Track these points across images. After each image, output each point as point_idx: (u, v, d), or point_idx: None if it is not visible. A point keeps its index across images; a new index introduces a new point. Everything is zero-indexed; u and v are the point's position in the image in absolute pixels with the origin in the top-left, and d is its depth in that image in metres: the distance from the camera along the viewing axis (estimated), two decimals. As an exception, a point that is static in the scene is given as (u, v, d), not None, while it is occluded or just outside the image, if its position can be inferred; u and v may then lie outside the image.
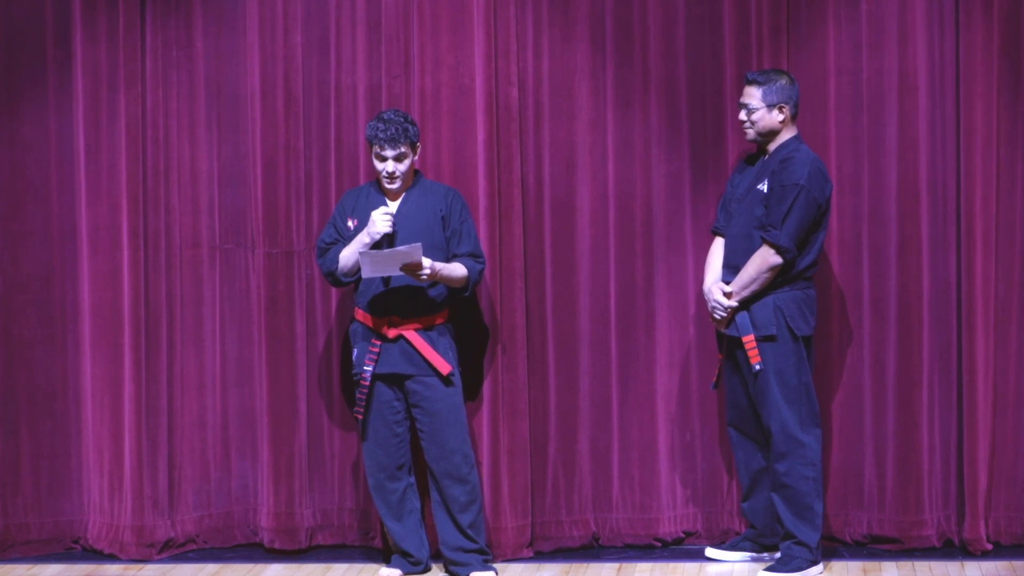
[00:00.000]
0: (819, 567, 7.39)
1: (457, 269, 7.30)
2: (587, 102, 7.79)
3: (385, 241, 7.28)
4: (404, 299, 7.32)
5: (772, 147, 7.38)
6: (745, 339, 7.28)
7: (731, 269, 7.35)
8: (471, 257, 7.35)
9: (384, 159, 7.31)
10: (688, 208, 7.80)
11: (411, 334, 7.32)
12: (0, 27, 7.88)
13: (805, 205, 7.21)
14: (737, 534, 7.78)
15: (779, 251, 7.20)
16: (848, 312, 7.72)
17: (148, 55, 7.84)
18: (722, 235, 7.48)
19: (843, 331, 7.73)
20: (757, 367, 7.26)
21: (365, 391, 7.37)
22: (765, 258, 7.22)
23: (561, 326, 7.83)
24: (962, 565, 7.51)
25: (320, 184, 7.85)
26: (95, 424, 7.92)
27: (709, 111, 7.76)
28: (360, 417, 7.41)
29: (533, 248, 7.81)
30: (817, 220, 7.28)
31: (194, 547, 7.96)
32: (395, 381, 7.37)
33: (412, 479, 7.49)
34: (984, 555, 7.60)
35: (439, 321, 7.38)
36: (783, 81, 7.33)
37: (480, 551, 7.46)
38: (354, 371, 7.43)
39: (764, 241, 7.23)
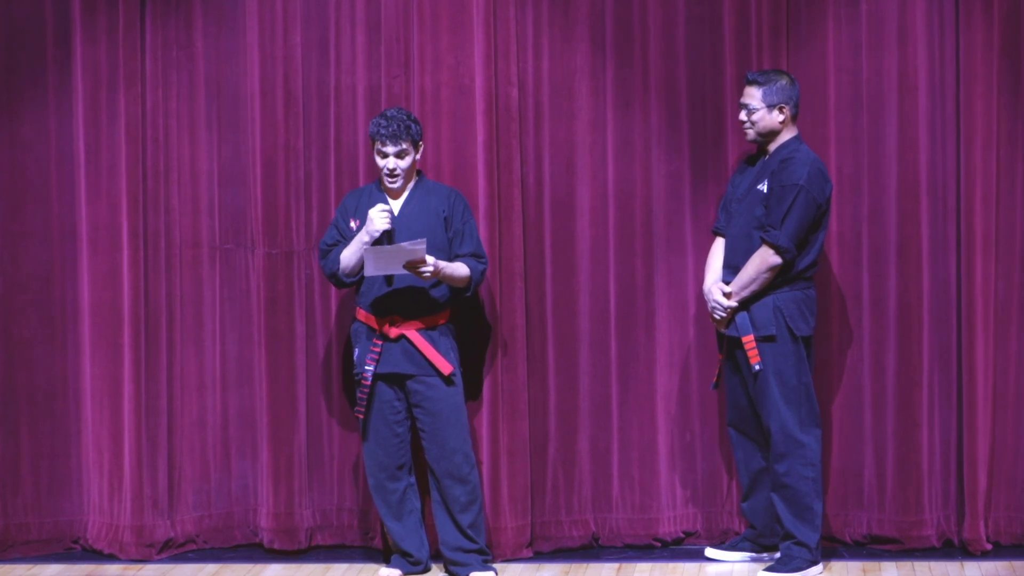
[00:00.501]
0: (819, 567, 7.38)
1: (459, 269, 7.30)
2: (587, 102, 7.79)
3: (385, 238, 7.28)
4: (406, 299, 7.32)
5: (772, 147, 7.38)
6: (745, 339, 7.28)
7: (731, 269, 7.35)
8: (473, 257, 7.35)
9: (385, 155, 7.31)
10: (688, 208, 7.79)
11: (413, 334, 7.32)
12: (0, 27, 7.88)
13: (805, 205, 7.21)
14: (737, 534, 7.78)
15: (778, 251, 7.20)
16: (848, 312, 7.72)
17: (148, 55, 7.84)
18: (722, 235, 7.48)
19: (843, 331, 7.73)
20: (757, 367, 7.26)
21: (366, 391, 7.37)
22: (764, 258, 7.22)
23: (561, 326, 7.83)
24: (962, 565, 7.51)
25: (320, 184, 7.85)
26: (95, 424, 7.92)
27: (709, 111, 7.76)
28: (361, 417, 7.41)
29: (533, 248, 7.81)
30: (817, 220, 7.27)
31: (194, 547, 7.97)
32: (396, 381, 7.37)
33: (412, 479, 7.49)
34: (984, 555, 7.60)
35: (441, 321, 7.38)
36: (783, 81, 7.33)
37: (480, 551, 7.46)
38: (355, 371, 7.43)
39: (763, 241, 7.23)
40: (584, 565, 7.66)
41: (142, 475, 7.84)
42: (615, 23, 7.77)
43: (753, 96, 7.33)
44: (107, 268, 7.88)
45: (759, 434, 7.45)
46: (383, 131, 7.28)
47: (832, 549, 7.71)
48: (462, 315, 7.61)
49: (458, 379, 7.40)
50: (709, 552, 7.72)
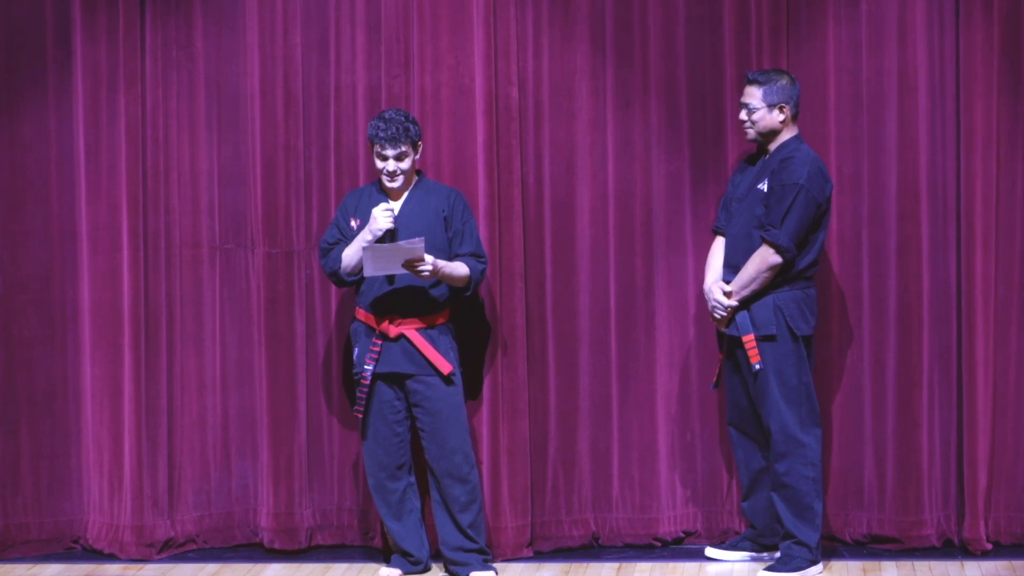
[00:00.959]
0: (819, 567, 7.39)
1: (459, 268, 7.30)
2: (587, 102, 7.79)
3: (387, 237, 7.28)
4: (406, 298, 7.32)
5: (773, 147, 7.38)
6: (745, 338, 7.28)
7: (731, 268, 7.35)
8: (473, 257, 7.36)
9: (385, 158, 7.31)
10: (688, 208, 7.80)
11: (412, 333, 7.32)
12: (0, 27, 7.88)
13: (805, 205, 7.21)
14: (737, 534, 7.78)
15: (778, 250, 7.20)
16: (848, 312, 7.72)
17: (148, 55, 7.84)
18: (722, 234, 7.48)
19: (843, 331, 7.73)
20: (757, 367, 7.26)
21: (366, 390, 7.37)
22: (765, 257, 7.22)
23: (561, 326, 7.83)
24: (962, 565, 7.51)
25: (320, 184, 7.85)
26: (95, 424, 7.92)
27: (709, 111, 7.76)
28: (360, 416, 7.41)
29: (533, 248, 7.81)
30: (817, 220, 7.28)
31: (194, 547, 7.96)
32: (396, 380, 7.37)
33: (412, 479, 7.49)
34: (984, 555, 7.60)
35: (440, 321, 7.38)
36: (784, 81, 7.33)
37: (480, 551, 7.46)
38: (355, 370, 7.43)
39: (764, 240, 7.23)
40: (584, 565, 7.66)
41: (142, 475, 7.83)
42: (615, 23, 7.77)
43: (753, 95, 7.33)
44: (107, 268, 7.88)
45: (759, 434, 7.45)
46: (382, 134, 7.27)
47: (832, 549, 7.71)
48: (462, 315, 7.61)
49: (458, 379, 7.40)
50: (709, 552, 7.72)
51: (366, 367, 7.35)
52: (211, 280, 7.93)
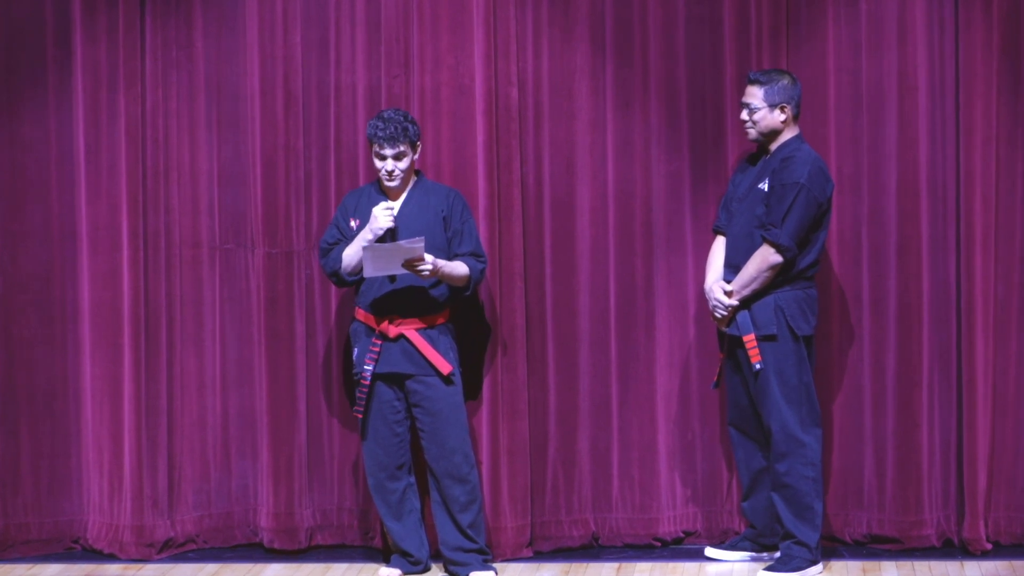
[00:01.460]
0: (819, 567, 7.39)
1: (459, 267, 7.30)
2: (587, 102, 7.79)
3: (388, 236, 7.29)
4: (406, 299, 7.32)
5: (774, 147, 7.38)
6: (746, 338, 7.28)
7: (732, 268, 7.35)
8: (473, 256, 7.36)
9: (384, 158, 7.31)
10: (688, 208, 7.80)
11: (412, 333, 7.32)
12: (0, 27, 7.88)
13: (805, 204, 7.22)
14: (737, 534, 7.78)
15: (779, 250, 7.20)
16: (848, 312, 7.72)
17: (148, 55, 7.84)
18: (723, 234, 7.48)
19: (843, 331, 7.73)
20: (757, 366, 7.26)
21: (365, 390, 7.37)
22: (765, 257, 7.23)
23: (561, 326, 7.83)
24: (962, 565, 7.51)
25: (320, 184, 7.85)
26: (95, 424, 7.92)
27: (709, 111, 7.76)
28: (360, 416, 7.41)
29: (533, 248, 7.81)
30: (818, 219, 7.28)
31: (194, 547, 7.96)
32: (395, 381, 7.37)
33: (412, 479, 7.49)
34: (984, 555, 7.60)
35: (440, 321, 7.38)
36: (785, 81, 7.33)
37: (480, 551, 7.46)
38: (355, 370, 7.43)
39: (764, 240, 7.23)
40: (584, 565, 7.65)
41: (142, 475, 7.83)
42: (615, 23, 7.77)
43: (755, 95, 7.33)
44: (107, 268, 7.88)
45: (760, 434, 7.45)
46: (380, 134, 7.27)
47: (832, 549, 7.71)
48: (462, 315, 7.61)
49: (457, 379, 7.40)
50: (709, 552, 7.72)
51: (366, 367, 7.35)
52: (211, 280, 7.93)
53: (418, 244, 7.10)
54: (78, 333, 7.94)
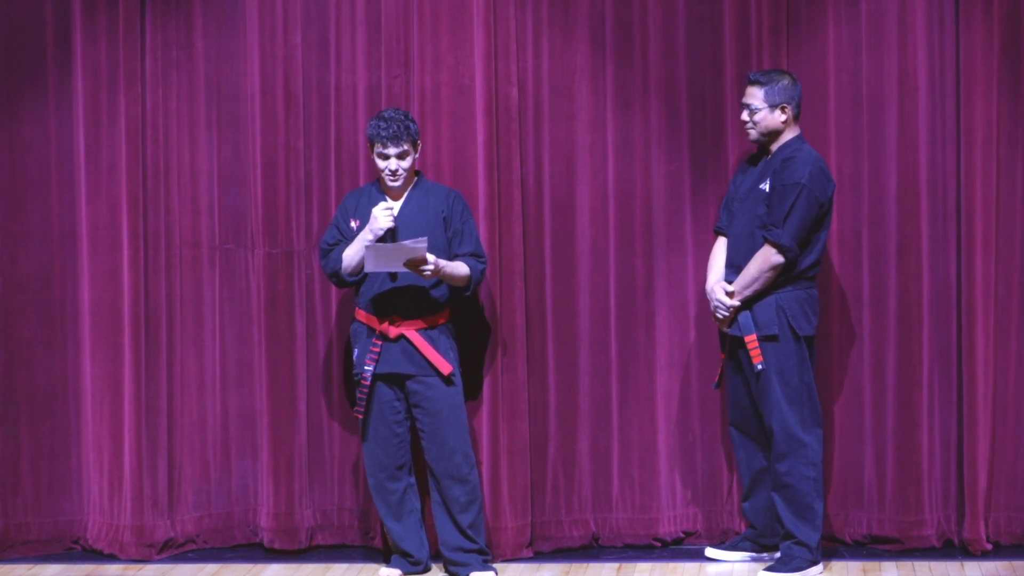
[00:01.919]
0: (819, 567, 7.39)
1: (459, 268, 7.31)
2: (587, 102, 7.79)
3: (388, 236, 7.29)
4: (406, 299, 7.32)
5: (775, 147, 7.38)
6: (747, 339, 7.28)
7: (734, 268, 7.35)
8: (473, 257, 7.36)
9: (387, 157, 7.31)
10: (688, 208, 7.80)
11: (412, 334, 7.32)
12: (0, 27, 7.88)
13: (807, 204, 7.22)
14: (737, 534, 7.78)
15: (781, 250, 7.20)
16: (848, 312, 7.72)
17: (148, 55, 7.84)
18: (724, 234, 7.48)
19: (843, 331, 7.73)
20: (759, 367, 7.26)
21: (366, 391, 7.37)
22: (767, 257, 7.23)
23: (561, 326, 7.83)
24: (962, 565, 7.51)
25: (320, 184, 7.85)
26: (95, 424, 7.92)
27: (709, 111, 7.76)
28: (360, 417, 7.41)
29: (533, 248, 7.82)
30: (819, 219, 7.28)
31: (194, 547, 7.96)
32: (396, 381, 7.37)
33: (412, 479, 7.49)
34: (984, 555, 7.61)
35: (441, 321, 7.38)
36: (785, 81, 7.33)
37: (480, 551, 7.46)
38: (355, 371, 7.43)
39: (766, 240, 7.23)
40: (584, 565, 7.65)
41: (142, 475, 7.83)
42: (615, 23, 7.77)
43: (755, 96, 7.33)
44: (107, 268, 7.88)
45: (760, 434, 7.45)
46: (383, 133, 7.27)
47: (832, 549, 7.71)
48: (462, 315, 7.61)
49: (457, 379, 7.40)
50: (709, 552, 7.72)
51: (366, 368, 7.35)
52: (211, 280, 7.93)
53: (421, 245, 7.10)
54: (78, 333, 7.94)
